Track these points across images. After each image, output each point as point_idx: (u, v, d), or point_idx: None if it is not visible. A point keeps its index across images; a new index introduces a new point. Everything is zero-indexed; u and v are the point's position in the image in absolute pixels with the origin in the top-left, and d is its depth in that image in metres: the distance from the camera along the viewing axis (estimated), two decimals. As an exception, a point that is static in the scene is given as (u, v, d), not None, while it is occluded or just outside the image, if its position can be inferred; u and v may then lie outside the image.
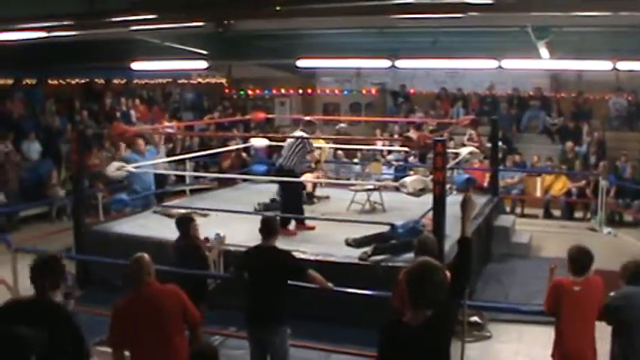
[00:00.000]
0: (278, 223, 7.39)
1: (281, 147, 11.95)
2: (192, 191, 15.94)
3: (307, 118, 12.53)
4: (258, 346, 6.90)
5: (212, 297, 8.16)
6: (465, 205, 4.79)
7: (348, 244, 10.00)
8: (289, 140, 11.50)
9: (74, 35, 12.03)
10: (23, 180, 16.63)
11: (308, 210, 12.16)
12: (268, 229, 7.01)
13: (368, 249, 9.48)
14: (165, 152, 13.99)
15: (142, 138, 13.54)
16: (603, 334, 6.05)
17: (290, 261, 7.05)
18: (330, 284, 7.32)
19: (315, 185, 13.66)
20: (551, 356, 6.18)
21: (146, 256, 5.84)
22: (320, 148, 13.81)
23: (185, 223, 8.19)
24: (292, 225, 11.12)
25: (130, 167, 11.90)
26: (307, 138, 11.30)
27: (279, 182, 11.48)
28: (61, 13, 10.31)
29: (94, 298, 9.44)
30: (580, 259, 6.10)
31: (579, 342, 5.93)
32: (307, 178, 13.16)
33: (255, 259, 7.06)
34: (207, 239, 8.90)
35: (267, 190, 13.25)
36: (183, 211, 11.88)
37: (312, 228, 11.22)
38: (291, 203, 11.22)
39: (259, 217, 9.77)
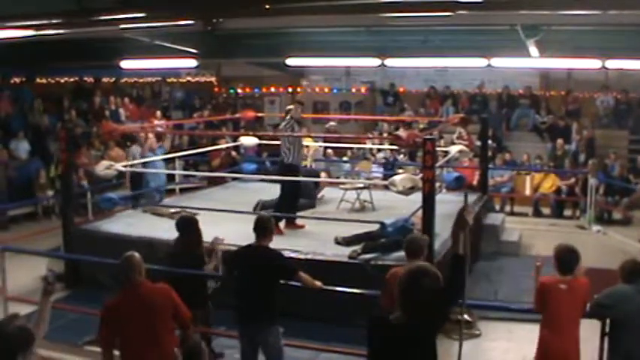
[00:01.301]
0: (273, 223, 7.29)
1: (270, 145, 11.90)
2: (182, 190, 15.91)
3: (289, 107, 12.26)
4: (250, 346, 6.87)
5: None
6: (459, 222, 4.76)
7: (338, 242, 9.99)
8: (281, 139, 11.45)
9: (63, 33, 11.99)
10: (12, 179, 16.55)
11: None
12: (262, 228, 6.95)
13: (357, 247, 9.48)
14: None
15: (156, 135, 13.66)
16: (590, 332, 6.06)
17: (281, 261, 7.02)
18: (318, 283, 7.28)
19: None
20: (535, 356, 6.17)
21: (137, 255, 5.81)
22: (307, 146, 13.80)
23: (185, 224, 8.05)
24: (282, 224, 11.08)
25: (119, 166, 11.86)
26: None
27: (280, 180, 11.39)
28: (50, 11, 10.27)
29: (83, 298, 9.41)
30: (567, 259, 6.08)
31: (563, 340, 5.91)
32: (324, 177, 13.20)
33: (246, 258, 7.00)
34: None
35: (257, 189, 13.21)
36: (173, 210, 11.89)
37: (302, 227, 11.21)
38: (287, 202, 11.17)
39: (250, 217, 9.79)
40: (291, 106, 11.43)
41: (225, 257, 7.70)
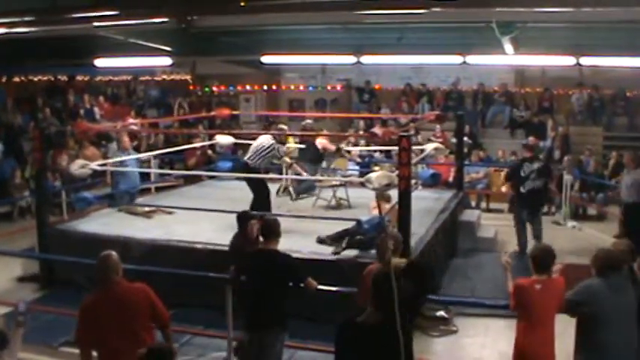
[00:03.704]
0: (279, 224, 7.00)
1: (246, 145, 11.88)
2: (158, 189, 15.83)
3: (280, 125, 12.48)
4: (256, 352, 6.69)
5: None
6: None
7: (321, 240, 9.92)
8: (258, 142, 11.44)
9: (36, 32, 11.88)
10: (-15, 179, 16.40)
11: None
12: (269, 231, 6.81)
13: (342, 243, 9.44)
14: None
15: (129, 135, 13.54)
16: (564, 327, 6.07)
17: (292, 265, 6.86)
18: (315, 283, 7.09)
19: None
20: (512, 356, 6.16)
21: (114, 254, 5.76)
22: (288, 147, 13.80)
23: (243, 220, 8.12)
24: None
25: (94, 165, 11.76)
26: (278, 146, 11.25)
27: (246, 180, 11.37)
28: (23, 8, 10.19)
29: (58, 299, 9.33)
30: (542, 258, 6.07)
31: (539, 340, 5.89)
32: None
33: (256, 262, 6.88)
34: None
35: (233, 188, 13.17)
36: (148, 209, 11.82)
37: None
38: (259, 200, 11.08)
39: (225, 215, 9.74)
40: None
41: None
